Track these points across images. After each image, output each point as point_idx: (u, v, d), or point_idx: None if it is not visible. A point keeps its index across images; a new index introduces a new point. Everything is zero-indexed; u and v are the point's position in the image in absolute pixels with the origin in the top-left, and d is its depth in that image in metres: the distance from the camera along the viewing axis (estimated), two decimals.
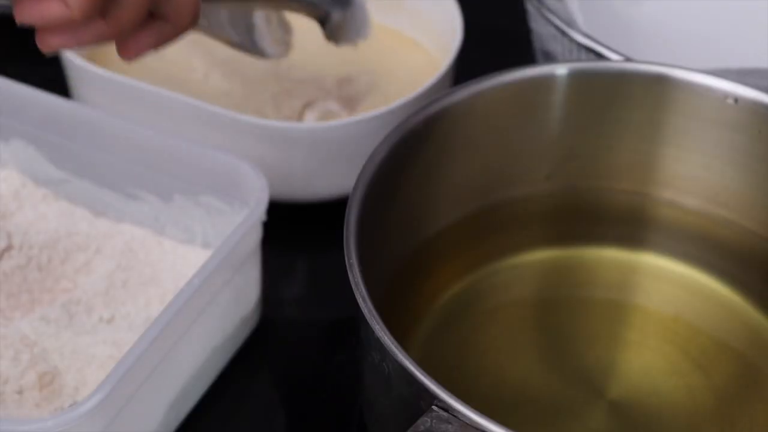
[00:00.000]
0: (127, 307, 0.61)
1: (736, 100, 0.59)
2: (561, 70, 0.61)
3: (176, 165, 0.63)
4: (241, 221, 0.58)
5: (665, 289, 0.63)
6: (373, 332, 0.49)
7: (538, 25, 0.71)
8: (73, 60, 0.69)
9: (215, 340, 0.60)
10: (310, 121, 0.71)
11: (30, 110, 0.65)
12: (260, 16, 0.66)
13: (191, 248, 0.64)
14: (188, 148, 0.63)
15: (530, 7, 0.72)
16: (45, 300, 0.62)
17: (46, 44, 0.46)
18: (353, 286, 0.50)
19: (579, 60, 0.67)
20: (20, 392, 0.56)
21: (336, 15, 0.66)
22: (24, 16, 0.45)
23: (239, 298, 0.61)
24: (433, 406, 0.46)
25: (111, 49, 0.50)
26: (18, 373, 0.56)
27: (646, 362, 0.59)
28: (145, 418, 0.56)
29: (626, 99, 0.61)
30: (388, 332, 0.48)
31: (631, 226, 0.64)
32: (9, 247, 0.63)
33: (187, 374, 0.58)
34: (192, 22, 0.49)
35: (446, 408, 0.46)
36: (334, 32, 0.68)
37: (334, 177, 0.68)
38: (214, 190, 0.63)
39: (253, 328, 0.63)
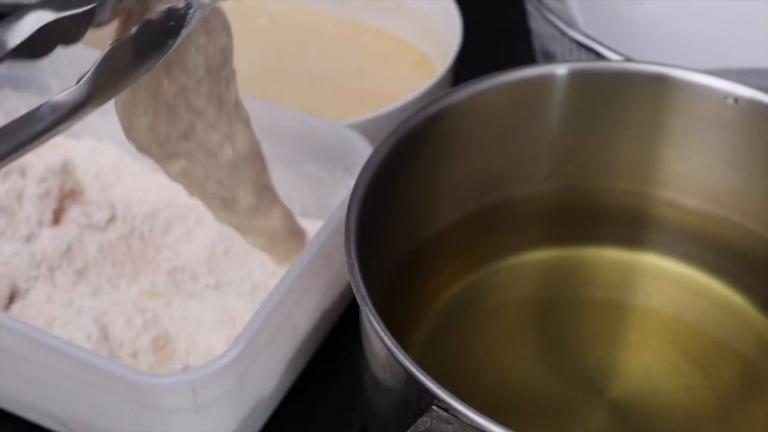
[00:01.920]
0: (230, 274, 0.62)
1: (736, 100, 0.59)
2: (561, 70, 0.61)
3: (278, 134, 0.63)
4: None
5: (665, 289, 0.63)
6: (373, 332, 0.49)
7: (538, 25, 0.71)
8: None
9: (325, 302, 0.60)
10: None
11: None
12: None
13: None
14: (291, 117, 0.63)
15: (530, 7, 0.72)
16: (149, 269, 0.63)
17: None
18: (353, 286, 0.50)
19: (579, 60, 0.67)
20: (135, 355, 0.58)
21: None
22: None
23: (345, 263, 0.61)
24: (433, 406, 0.46)
25: None
26: (132, 337, 0.58)
27: (646, 362, 0.59)
28: (267, 378, 0.57)
29: (626, 99, 0.61)
30: (388, 332, 0.48)
31: (631, 226, 0.64)
32: (113, 218, 0.65)
33: (301, 335, 0.59)
34: None
35: (446, 408, 0.46)
36: None
37: None
38: (317, 159, 0.63)
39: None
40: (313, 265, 0.57)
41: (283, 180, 0.64)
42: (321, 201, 0.64)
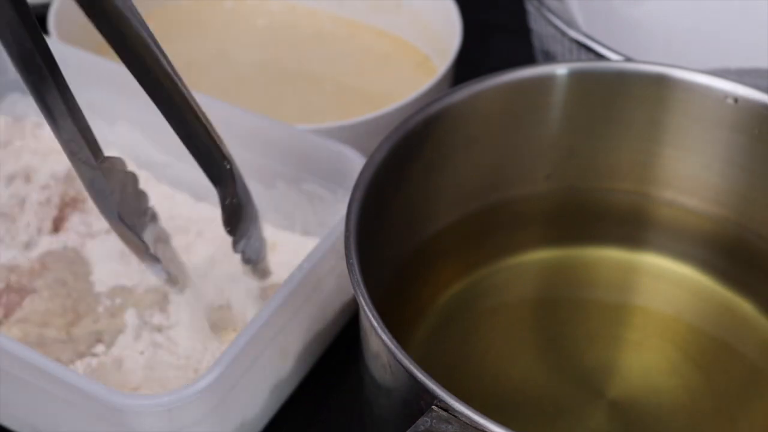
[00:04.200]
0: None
1: (736, 100, 0.59)
2: (561, 70, 0.61)
3: (281, 151, 0.63)
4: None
5: (665, 289, 0.63)
6: (373, 332, 0.49)
7: (538, 25, 0.72)
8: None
9: (317, 325, 0.60)
10: None
11: (136, 93, 0.66)
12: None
13: (291, 235, 0.64)
14: (294, 134, 0.63)
15: (530, 7, 0.72)
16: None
17: None
18: (353, 286, 0.50)
19: (579, 60, 0.67)
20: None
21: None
22: None
23: (341, 285, 0.61)
24: (433, 406, 0.46)
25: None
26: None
27: (646, 362, 0.59)
28: (251, 401, 0.57)
29: (626, 99, 0.61)
30: (388, 332, 0.48)
31: (631, 226, 0.64)
32: None
33: (291, 358, 0.58)
34: None
35: (446, 408, 0.46)
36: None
37: None
38: (319, 177, 0.63)
39: (352, 315, 0.62)
40: (302, 291, 0.56)
41: (284, 197, 0.64)
42: (321, 220, 0.64)
